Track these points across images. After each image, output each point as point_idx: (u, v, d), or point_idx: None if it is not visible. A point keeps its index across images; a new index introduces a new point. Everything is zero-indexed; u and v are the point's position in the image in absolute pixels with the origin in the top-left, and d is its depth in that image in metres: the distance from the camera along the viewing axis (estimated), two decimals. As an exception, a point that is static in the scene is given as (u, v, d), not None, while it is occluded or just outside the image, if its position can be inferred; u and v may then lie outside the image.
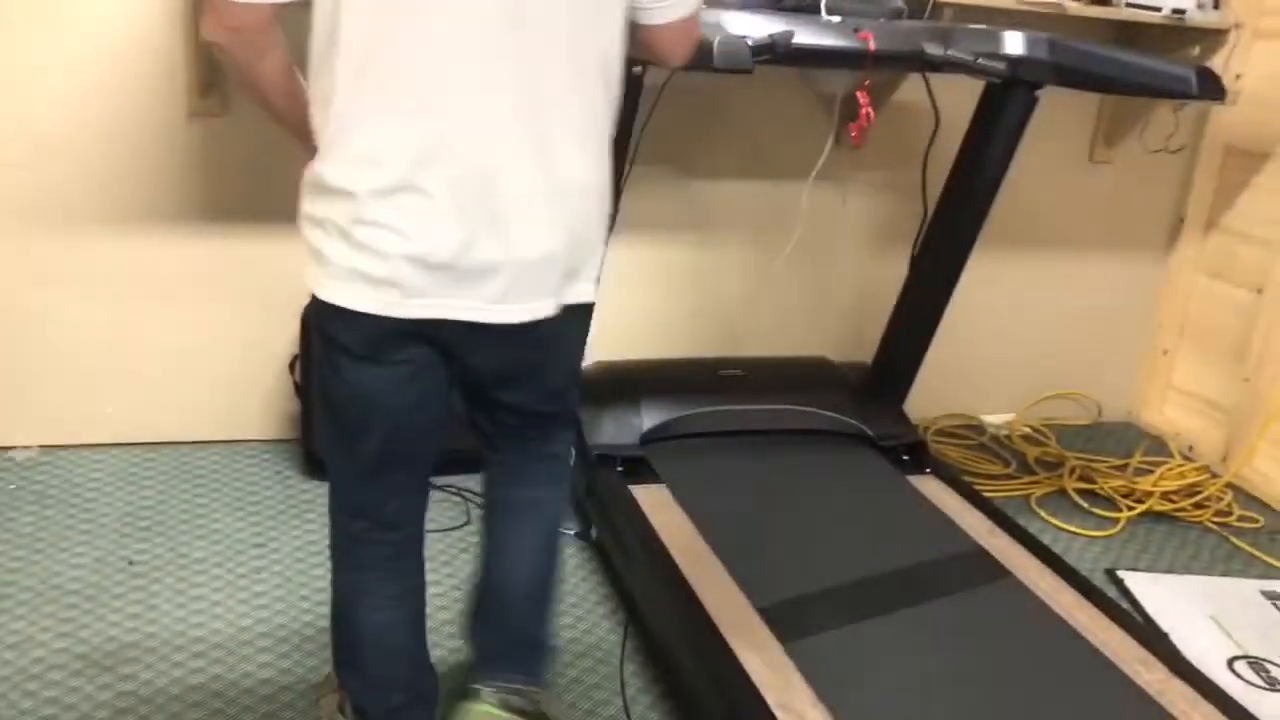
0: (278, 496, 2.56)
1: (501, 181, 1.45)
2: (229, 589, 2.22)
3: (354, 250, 1.44)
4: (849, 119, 2.78)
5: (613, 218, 1.87)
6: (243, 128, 2.54)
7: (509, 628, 1.82)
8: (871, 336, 2.86)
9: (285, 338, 2.69)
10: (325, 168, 1.45)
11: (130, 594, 2.18)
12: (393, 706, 1.72)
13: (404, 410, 1.54)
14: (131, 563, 2.27)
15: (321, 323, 1.53)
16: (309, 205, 1.50)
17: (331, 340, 1.52)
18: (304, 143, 1.54)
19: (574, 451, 2.55)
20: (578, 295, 1.60)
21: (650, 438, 2.55)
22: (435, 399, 1.57)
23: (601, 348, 2.65)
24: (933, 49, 2.17)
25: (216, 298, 2.68)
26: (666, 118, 2.61)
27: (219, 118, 2.55)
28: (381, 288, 1.45)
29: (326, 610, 2.19)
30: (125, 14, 2.43)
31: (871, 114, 2.11)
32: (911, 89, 2.73)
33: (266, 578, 2.27)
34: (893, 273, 2.80)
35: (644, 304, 2.95)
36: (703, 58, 1.73)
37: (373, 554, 1.66)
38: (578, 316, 1.63)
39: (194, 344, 2.69)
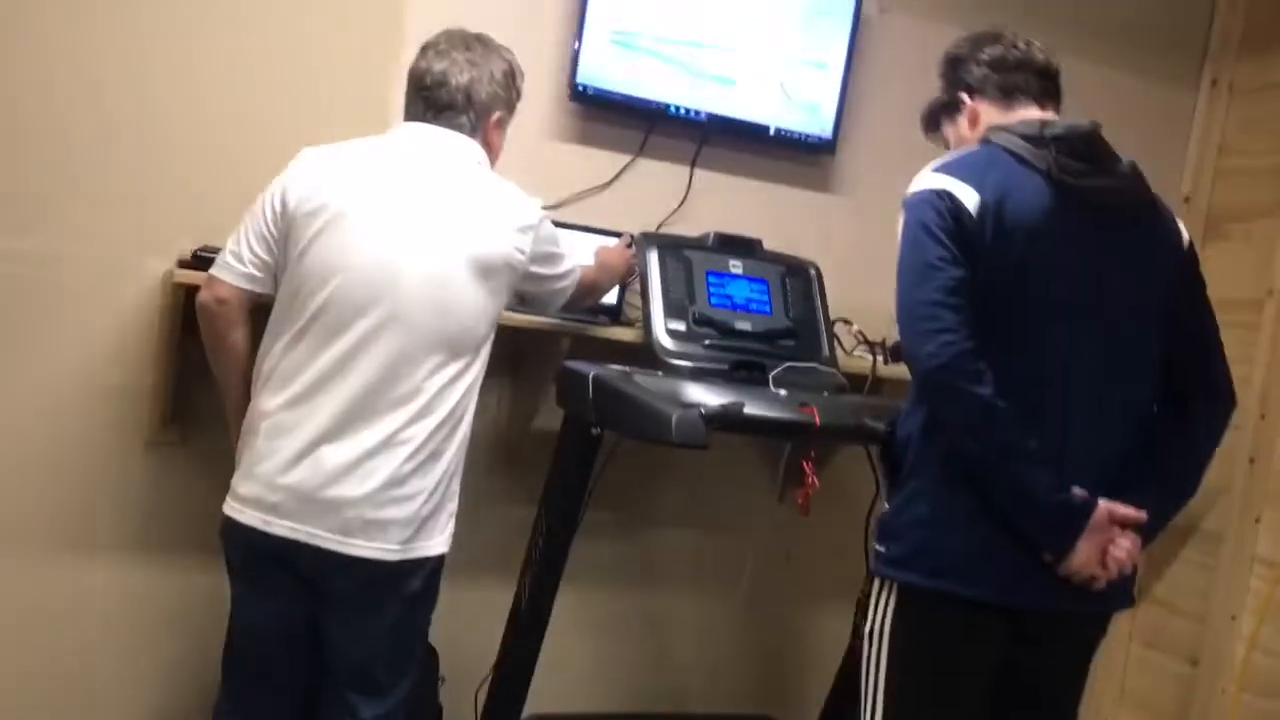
0: None
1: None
2: None
3: None
4: (793, 479, 2.88)
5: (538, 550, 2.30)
6: (198, 459, 2.56)
7: None
8: (817, 694, 2.82)
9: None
10: None
11: None
12: None
13: None
14: None
15: None
16: None
17: None
18: (234, 421, 2.07)
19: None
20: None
21: (585, 802, 2.45)
22: None
23: (542, 699, 2.59)
24: (873, 423, 2.28)
25: (152, 629, 2.61)
26: (618, 468, 2.68)
27: (176, 447, 2.57)
28: None
29: None
30: (103, 342, 2.48)
31: (816, 483, 2.19)
32: (853, 451, 2.85)
33: None
34: (836, 628, 2.81)
35: (586, 653, 2.91)
36: (661, 431, 1.82)
37: None
38: None
39: (125, 676, 2.59)
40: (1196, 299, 1.94)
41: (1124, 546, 1.81)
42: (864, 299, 2.88)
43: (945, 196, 1.77)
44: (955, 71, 1.97)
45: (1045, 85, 1.94)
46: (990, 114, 1.93)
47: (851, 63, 2.90)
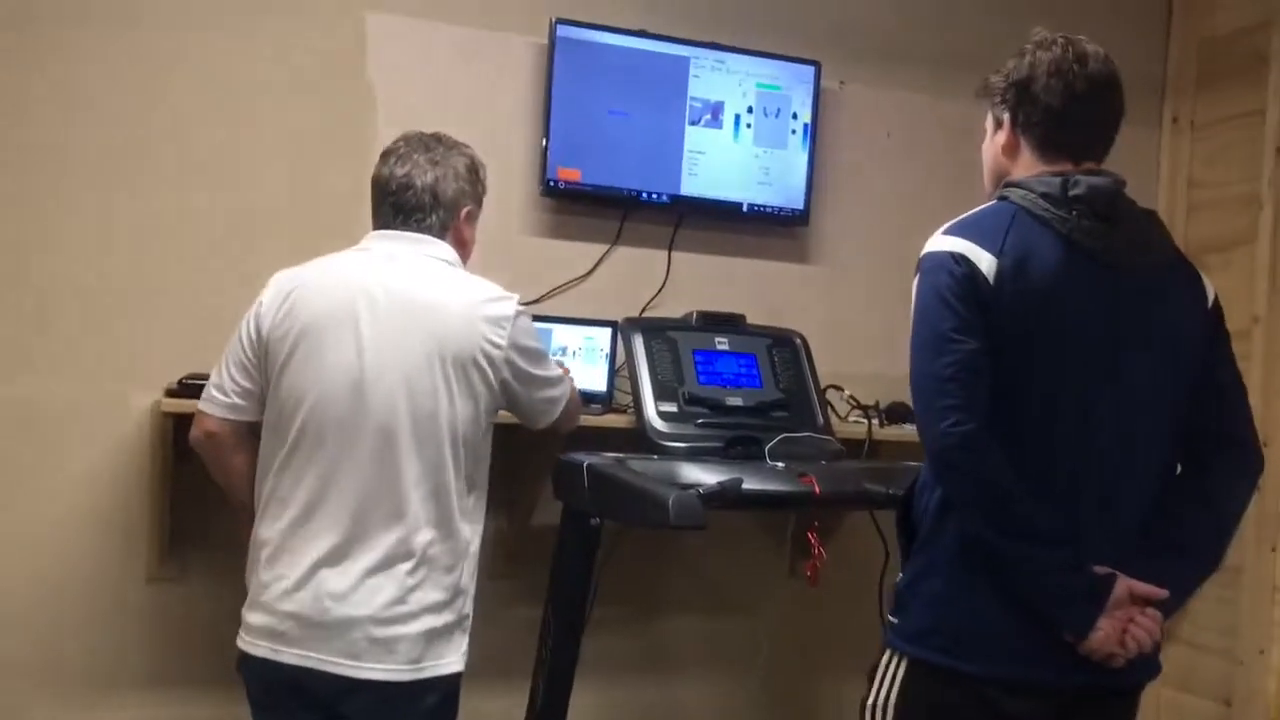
0: None
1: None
2: None
3: None
4: (800, 551, 2.85)
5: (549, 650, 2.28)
6: (200, 591, 2.53)
7: None
8: (845, 772, 2.76)
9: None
10: None
11: None
12: None
13: None
14: None
15: None
16: None
17: None
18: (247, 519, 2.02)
19: None
20: None
21: None
22: None
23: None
24: (874, 487, 2.26)
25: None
26: (623, 557, 2.65)
27: (177, 581, 2.54)
28: None
29: None
30: (96, 478, 2.48)
31: (823, 553, 2.16)
32: (859, 517, 2.82)
33: None
34: (857, 701, 2.75)
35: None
36: (658, 515, 1.80)
37: None
38: None
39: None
40: (1221, 359, 1.85)
41: (1144, 625, 1.72)
42: (853, 364, 2.89)
43: (960, 260, 1.69)
44: (1015, 93, 1.81)
45: (1095, 142, 1.81)
46: (1025, 155, 1.81)
47: (816, 135, 2.94)
